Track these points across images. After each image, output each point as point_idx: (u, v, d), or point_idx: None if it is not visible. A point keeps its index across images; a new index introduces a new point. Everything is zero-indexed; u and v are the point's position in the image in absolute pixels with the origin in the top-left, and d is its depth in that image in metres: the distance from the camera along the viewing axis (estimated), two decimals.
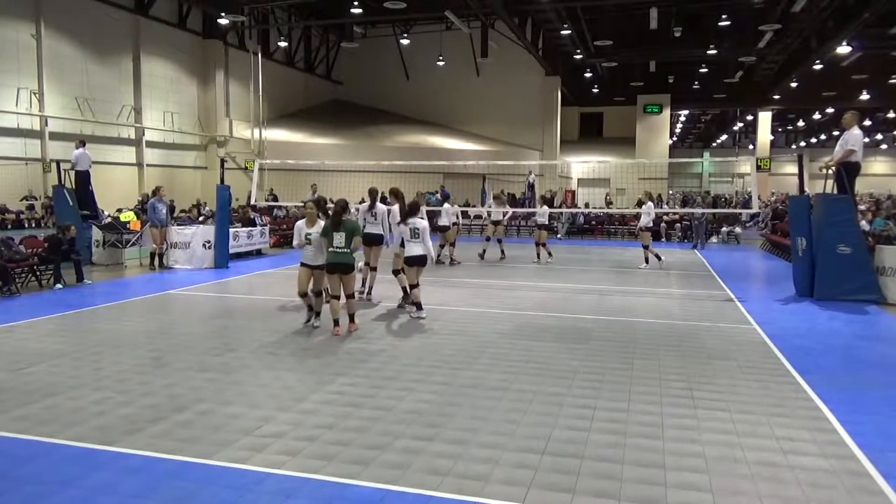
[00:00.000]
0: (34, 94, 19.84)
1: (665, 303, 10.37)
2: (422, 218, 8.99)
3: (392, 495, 3.74)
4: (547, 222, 16.52)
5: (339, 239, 7.60)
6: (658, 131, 36.00)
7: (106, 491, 3.77)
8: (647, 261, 14.68)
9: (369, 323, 8.51)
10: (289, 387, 5.73)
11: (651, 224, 15.17)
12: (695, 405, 5.30)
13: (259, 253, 17.09)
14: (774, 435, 4.68)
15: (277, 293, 10.74)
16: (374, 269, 10.15)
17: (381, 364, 6.49)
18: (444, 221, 15.13)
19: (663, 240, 23.39)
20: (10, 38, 19.18)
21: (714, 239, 22.88)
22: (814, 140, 57.39)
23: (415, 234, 8.74)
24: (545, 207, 16.41)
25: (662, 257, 14.99)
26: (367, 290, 10.22)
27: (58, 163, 15.54)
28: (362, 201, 11.37)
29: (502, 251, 16.37)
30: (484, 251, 16.31)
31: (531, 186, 28.26)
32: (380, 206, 10.05)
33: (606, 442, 4.52)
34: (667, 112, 36.27)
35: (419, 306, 8.81)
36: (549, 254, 15.90)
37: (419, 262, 8.82)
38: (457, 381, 5.93)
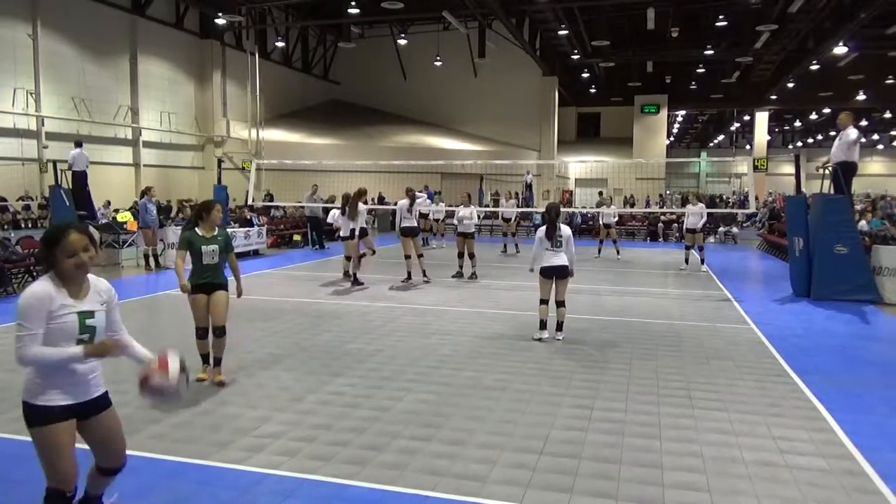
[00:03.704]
0: (30, 94, 19.78)
1: (662, 303, 10.38)
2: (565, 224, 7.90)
3: (389, 495, 3.74)
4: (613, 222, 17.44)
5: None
6: (655, 131, 36.08)
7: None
8: (703, 262, 14.51)
9: (368, 323, 8.51)
10: (286, 387, 5.72)
11: (701, 225, 14.68)
12: (692, 405, 5.31)
13: (256, 253, 17.06)
14: (772, 435, 4.69)
15: (275, 293, 10.72)
16: (420, 255, 12.22)
17: (379, 364, 6.49)
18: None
19: (661, 240, 23.45)
20: (6, 37, 19.13)
21: (711, 239, 22.88)
22: (811, 140, 57.49)
23: (558, 242, 7.53)
24: (614, 207, 17.55)
25: (688, 264, 14.81)
26: (422, 274, 12.13)
27: (54, 163, 15.50)
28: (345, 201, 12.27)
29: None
30: (505, 247, 18.08)
31: (528, 186, 28.33)
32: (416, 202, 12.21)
33: (604, 442, 4.53)
34: (664, 112, 36.36)
35: (559, 326, 7.64)
36: (618, 252, 17.03)
37: (559, 273, 7.56)
38: (455, 381, 5.93)
